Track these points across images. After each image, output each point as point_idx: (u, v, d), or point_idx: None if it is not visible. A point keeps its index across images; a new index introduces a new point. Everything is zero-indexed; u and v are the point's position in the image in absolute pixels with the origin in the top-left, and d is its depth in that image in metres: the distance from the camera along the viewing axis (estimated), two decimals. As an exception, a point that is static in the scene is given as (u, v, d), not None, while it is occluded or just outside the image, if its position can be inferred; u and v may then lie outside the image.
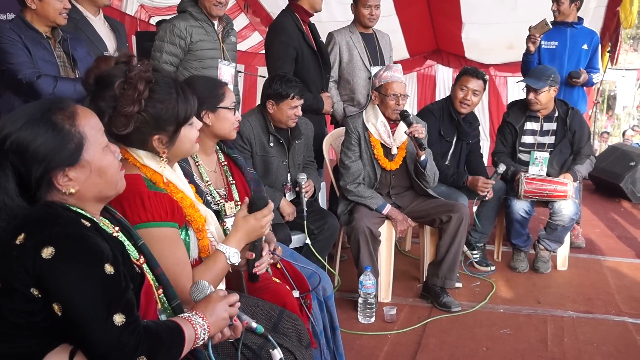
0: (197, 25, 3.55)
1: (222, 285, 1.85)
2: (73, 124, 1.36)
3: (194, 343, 1.43)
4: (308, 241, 3.10)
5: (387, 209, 3.47)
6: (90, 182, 1.39)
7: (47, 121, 1.34)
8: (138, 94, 1.60)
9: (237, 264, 1.78)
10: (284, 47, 3.80)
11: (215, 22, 3.64)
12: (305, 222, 3.14)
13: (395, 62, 4.15)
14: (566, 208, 3.87)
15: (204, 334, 1.45)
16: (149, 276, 1.51)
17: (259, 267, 1.89)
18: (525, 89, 4.06)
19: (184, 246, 1.73)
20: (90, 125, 1.39)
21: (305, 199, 3.24)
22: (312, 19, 4.07)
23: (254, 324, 1.62)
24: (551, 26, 4.23)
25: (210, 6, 3.51)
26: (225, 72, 3.62)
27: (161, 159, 1.71)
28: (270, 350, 1.67)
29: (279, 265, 2.27)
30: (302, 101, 3.26)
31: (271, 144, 3.28)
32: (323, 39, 4.27)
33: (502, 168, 3.88)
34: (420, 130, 3.31)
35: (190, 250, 1.78)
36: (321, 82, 3.99)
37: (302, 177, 3.31)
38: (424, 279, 3.62)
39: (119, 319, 1.26)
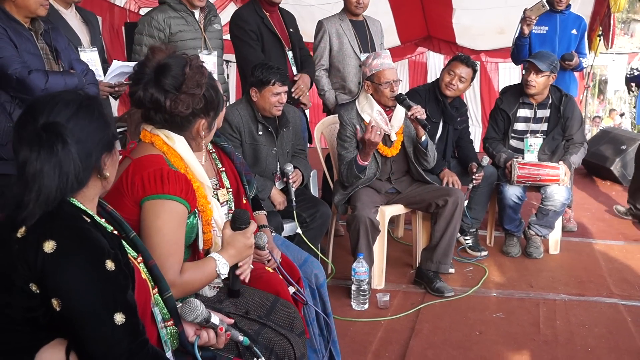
0: (176, 16, 3.53)
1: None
2: (105, 113, 1.40)
3: None
4: (299, 230, 3.11)
5: (359, 157, 3.36)
6: (113, 171, 1.44)
7: (95, 108, 1.36)
8: (204, 78, 1.77)
9: (223, 277, 1.79)
10: (241, 32, 3.84)
11: (196, 12, 3.61)
12: (294, 211, 3.15)
13: (386, 49, 4.14)
14: (558, 193, 3.88)
15: None
16: (145, 274, 1.50)
17: (241, 273, 1.89)
18: (524, 70, 4.01)
19: (185, 232, 1.75)
20: (110, 117, 1.44)
21: (293, 189, 3.24)
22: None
23: (240, 338, 1.65)
24: (548, 7, 4.22)
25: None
26: (207, 61, 3.60)
27: (203, 144, 1.89)
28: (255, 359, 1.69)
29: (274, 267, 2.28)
30: (285, 87, 3.24)
31: (260, 133, 3.28)
32: (312, 23, 4.26)
33: (485, 161, 3.89)
34: (421, 111, 3.31)
35: (199, 237, 1.84)
36: (284, 67, 3.91)
37: (289, 167, 3.31)
38: (417, 265, 3.63)
39: (119, 317, 1.24)
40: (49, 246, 1.22)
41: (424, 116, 3.33)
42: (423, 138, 3.41)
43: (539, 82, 3.92)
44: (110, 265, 1.26)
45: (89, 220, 1.33)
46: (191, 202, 1.73)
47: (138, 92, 1.74)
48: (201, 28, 3.63)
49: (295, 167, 3.39)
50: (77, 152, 1.28)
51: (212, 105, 1.83)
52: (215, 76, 3.51)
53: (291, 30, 4.04)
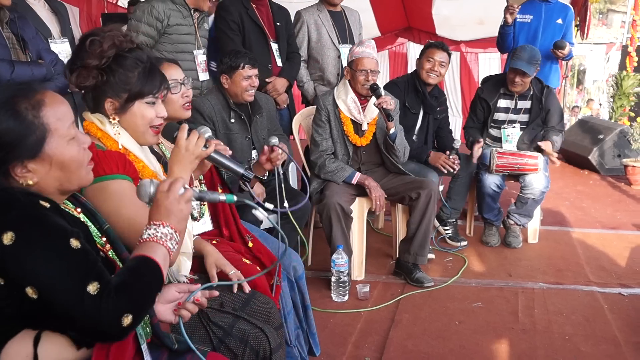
0: (175, 9, 3.54)
1: (188, 267, 1.82)
2: (37, 114, 1.30)
3: (170, 256, 1.38)
4: (286, 204, 2.99)
5: (356, 177, 3.44)
6: (50, 175, 1.35)
7: (10, 109, 1.28)
8: (101, 50, 1.70)
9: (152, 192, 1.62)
10: (223, 22, 3.83)
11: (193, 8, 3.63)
12: (282, 185, 3.03)
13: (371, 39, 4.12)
14: (537, 181, 3.91)
15: (175, 241, 1.39)
16: (118, 263, 1.47)
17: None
18: (509, 69, 4.03)
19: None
20: (56, 117, 1.33)
21: (279, 162, 3.14)
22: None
23: (222, 197, 1.49)
24: None
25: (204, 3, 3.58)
26: (199, 58, 3.66)
27: (112, 124, 1.77)
28: (253, 211, 1.68)
29: (250, 244, 2.25)
30: (255, 70, 3.21)
31: (232, 120, 3.24)
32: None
33: (457, 143, 3.92)
34: (389, 101, 3.30)
35: None
36: (268, 58, 3.91)
37: (274, 139, 3.22)
38: (397, 256, 3.64)
39: (92, 288, 1.21)
40: (7, 238, 1.19)
41: (391, 107, 3.31)
42: (392, 131, 3.40)
43: (525, 81, 3.98)
44: (75, 243, 1.24)
45: (48, 205, 1.29)
46: (132, 174, 1.70)
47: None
48: (195, 25, 3.63)
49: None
50: None
51: (123, 86, 1.74)
52: (204, 75, 3.57)
53: (278, 23, 4.00)
